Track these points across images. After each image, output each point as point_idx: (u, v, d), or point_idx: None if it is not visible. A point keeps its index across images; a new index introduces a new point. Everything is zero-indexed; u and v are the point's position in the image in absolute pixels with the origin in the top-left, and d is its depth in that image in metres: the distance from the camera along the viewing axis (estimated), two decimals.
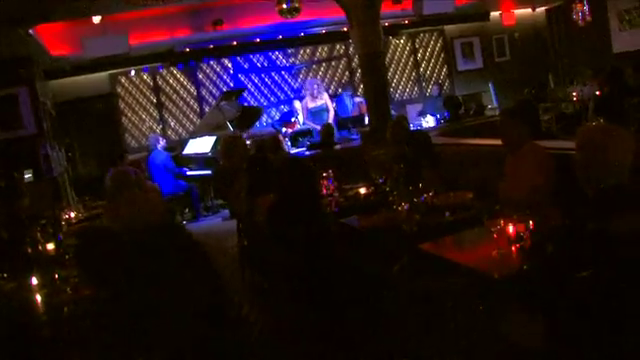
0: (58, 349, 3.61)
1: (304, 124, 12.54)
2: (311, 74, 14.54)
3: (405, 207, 4.76)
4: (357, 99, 13.32)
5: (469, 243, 4.10)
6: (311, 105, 12.47)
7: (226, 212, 10.91)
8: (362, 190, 6.40)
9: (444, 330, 3.69)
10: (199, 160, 11.41)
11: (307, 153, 10.20)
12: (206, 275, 1.92)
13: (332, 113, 12.49)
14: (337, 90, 14.40)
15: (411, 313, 3.86)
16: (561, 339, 2.87)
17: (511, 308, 3.35)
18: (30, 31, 8.82)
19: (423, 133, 8.02)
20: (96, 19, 9.89)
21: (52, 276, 4.59)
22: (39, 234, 5.97)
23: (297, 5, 10.68)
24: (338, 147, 10.41)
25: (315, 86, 12.59)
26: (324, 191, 6.30)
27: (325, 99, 12.60)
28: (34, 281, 4.62)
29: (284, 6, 10.63)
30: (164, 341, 1.96)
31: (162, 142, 11.45)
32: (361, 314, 3.83)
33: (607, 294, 2.57)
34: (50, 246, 5.78)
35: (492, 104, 14.19)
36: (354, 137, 11.57)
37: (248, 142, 8.93)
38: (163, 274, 1.92)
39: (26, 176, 9.80)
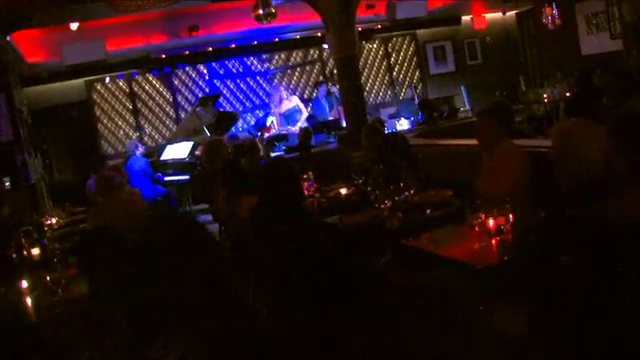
0: (53, 349, 3.68)
1: (279, 130, 12.65)
2: (286, 79, 14.65)
3: (388, 205, 4.90)
4: (333, 98, 13.38)
5: (451, 237, 4.24)
6: (283, 110, 12.59)
7: (204, 217, 10.93)
8: (343, 191, 6.53)
9: (429, 322, 3.82)
10: (177, 165, 11.44)
11: (285, 156, 10.30)
12: (215, 263, 2.02)
13: (305, 114, 12.62)
14: (312, 93, 14.53)
15: (397, 306, 3.99)
16: (544, 327, 3.01)
17: (495, 298, 3.50)
18: (7, 38, 8.83)
19: (399, 136, 8.15)
20: (73, 26, 9.91)
21: (42, 279, 4.66)
22: (23, 239, 6.03)
23: (273, 11, 10.80)
24: (316, 150, 10.53)
25: (281, 89, 12.75)
26: (305, 192, 6.41)
27: (295, 101, 12.74)
28: (24, 284, 4.70)
29: (260, 12, 10.75)
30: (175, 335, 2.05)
31: (141, 148, 11.47)
32: (348, 309, 3.94)
33: (586, 279, 2.72)
34: (35, 251, 5.85)
35: (464, 107, 14.45)
36: (331, 141, 11.69)
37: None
38: (173, 266, 2.01)
39: (5, 184, 9.78)
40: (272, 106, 13.02)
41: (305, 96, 14.44)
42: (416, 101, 13.61)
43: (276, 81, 14.51)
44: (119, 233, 3.78)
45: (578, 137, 3.50)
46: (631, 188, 3.09)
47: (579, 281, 2.86)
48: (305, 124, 12.36)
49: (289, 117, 12.54)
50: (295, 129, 12.15)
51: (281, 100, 12.63)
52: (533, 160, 5.03)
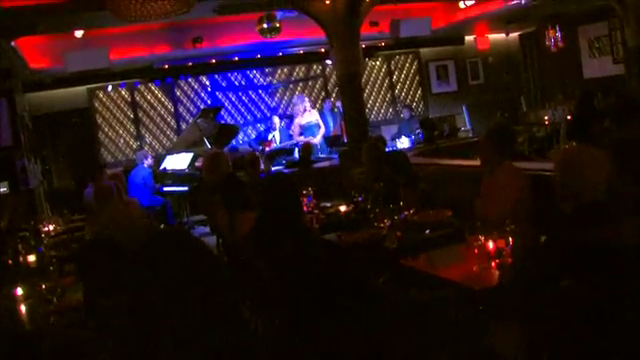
0: (47, 358, 3.65)
1: (289, 141, 12.69)
2: (288, 93, 14.68)
3: (387, 224, 4.89)
4: (337, 114, 13.42)
5: (450, 258, 4.23)
6: (304, 121, 12.62)
7: (201, 229, 10.91)
8: (342, 208, 6.50)
9: (427, 342, 3.80)
10: (176, 176, 11.42)
11: (286, 171, 10.30)
12: (215, 279, 2.01)
13: (323, 130, 12.67)
14: (315, 107, 14.55)
15: (395, 325, 3.97)
16: (542, 350, 2.99)
17: (492, 320, 3.48)
18: (12, 43, 8.84)
19: (400, 153, 8.14)
20: (78, 33, 9.93)
21: (37, 287, 4.63)
22: (20, 246, 6.00)
23: (277, 25, 10.86)
24: (316, 166, 10.53)
25: (305, 100, 12.79)
26: (304, 208, 6.39)
27: (315, 115, 12.80)
28: (19, 292, 4.67)
29: (264, 25, 10.81)
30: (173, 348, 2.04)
31: (149, 160, 11.48)
32: (345, 326, 3.92)
33: (586, 304, 2.71)
34: (31, 258, 5.81)
35: (465, 126, 14.47)
36: (333, 156, 11.69)
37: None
38: (173, 280, 2.00)
39: (1, 189, 9.76)
40: (297, 113, 13.00)
41: None
42: (414, 120, 13.62)
43: (278, 95, 14.56)
44: (117, 243, 3.77)
45: (581, 161, 3.48)
46: (633, 213, 3.09)
47: (578, 306, 2.84)
48: (321, 140, 12.42)
49: (308, 130, 12.58)
50: (316, 141, 12.24)
51: (305, 110, 12.67)
52: (534, 183, 5.04)
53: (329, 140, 12.66)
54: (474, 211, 5.14)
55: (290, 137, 13.22)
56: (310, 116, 12.68)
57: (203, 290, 2.03)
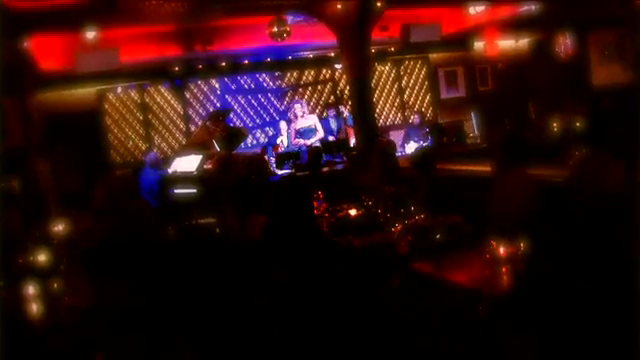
0: (57, 357, 3.67)
1: (289, 146, 12.68)
2: (297, 97, 14.68)
3: (398, 228, 4.90)
4: (341, 119, 13.45)
5: (460, 263, 4.24)
6: (298, 126, 12.64)
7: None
8: (352, 212, 6.49)
9: (437, 346, 3.81)
10: (185, 179, 11.41)
11: (299, 174, 10.31)
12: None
13: (320, 134, 12.66)
14: (322, 113, 14.55)
15: (404, 329, 3.97)
16: (553, 355, 3.00)
17: (503, 326, 3.48)
18: (23, 44, 8.89)
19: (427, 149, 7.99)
20: (90, 34, 9.97)
21: (48, 285, 4.66)
22: (30, 245, 6.02)
23: (287, 29, 10.91)
24: (325, 169, 10.54)
25: (301, 107, 12.79)
26: (315, 212, 6.39)
27: (312, 120, 12.79)
28: (30, 291, 4.69)
29: (275, 29, 10.85)
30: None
31: (159, 162, 11.51)
32: (355, 330, 3.94)
33: (596, 307, 2.71)
34: (42, 257, 5.83)
35: (474, 132, 14.44)
36: (338, 160, 11.70)
37: None
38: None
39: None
40: (291, 117, 13.04)
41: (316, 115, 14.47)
42: (425, 126, 13.62)
43: (288, 98, 14.59)
44: (128, 242, 3.80)
45: (591, 167, 3.50)
46: None
47: (590, 310, 2.85)
48: (317, 143, 12.42)
49: (303, 134, 12.61)
50: (308, 143, 12.24)
51: (300, 116, 12.70)
52: (544, 189, 5.04)
53: (334, 145, 12.63)
54: (485, 216, 5.14)
55: None
56: (305, 121, 12.71)
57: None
